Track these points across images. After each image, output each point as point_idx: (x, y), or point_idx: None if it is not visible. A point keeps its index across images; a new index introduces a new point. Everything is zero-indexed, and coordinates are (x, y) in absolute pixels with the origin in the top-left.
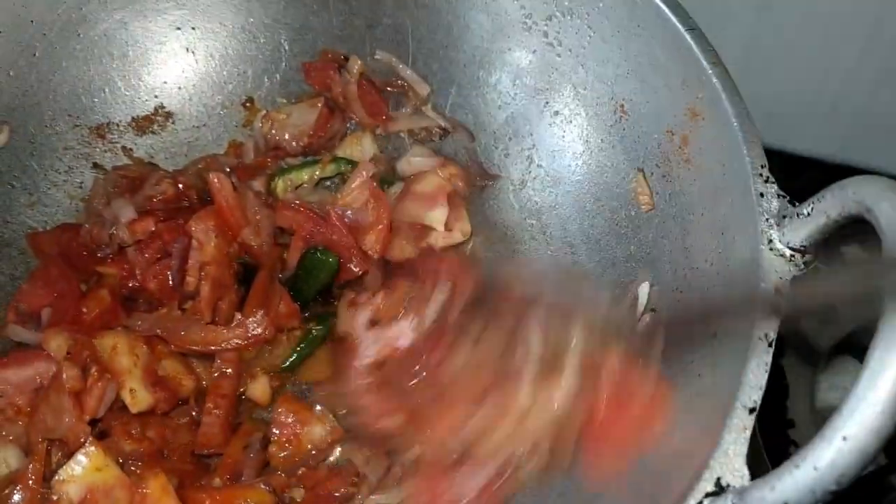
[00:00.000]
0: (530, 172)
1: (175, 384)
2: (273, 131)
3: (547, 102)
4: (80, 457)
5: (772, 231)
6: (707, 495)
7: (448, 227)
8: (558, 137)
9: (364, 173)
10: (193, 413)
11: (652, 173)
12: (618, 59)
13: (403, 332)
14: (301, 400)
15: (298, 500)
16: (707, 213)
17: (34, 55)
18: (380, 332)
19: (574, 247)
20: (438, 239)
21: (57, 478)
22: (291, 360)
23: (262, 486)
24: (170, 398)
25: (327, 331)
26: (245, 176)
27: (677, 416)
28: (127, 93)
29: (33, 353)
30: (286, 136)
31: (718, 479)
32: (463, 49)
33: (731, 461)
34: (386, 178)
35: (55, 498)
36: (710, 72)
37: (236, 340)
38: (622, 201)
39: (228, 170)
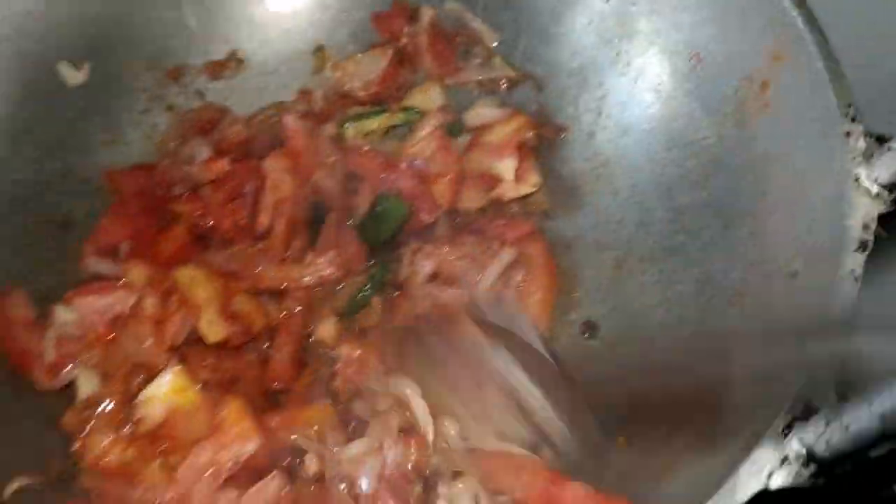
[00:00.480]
0: (599, 123)
1: (247, 320)
2: (342, 79)
3: (619, 52)
4: (164, 377)
5: (859, 169)
6: (795, 419)
7: (518, 178)
8: (629, 87)
9: (432, 122)
10: (263, 348)
11: (728, 120)
12: (695, 5)
13: (455, 300)
14: (364, 338)
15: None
16: (786, 157)
17: None
18: (436, 289)
19: (643, 196)
20: (508, 190)
21: (140, 397)
22: (355, 303)
23: (327, 402)
24: (242, 333)
25: (389, 277)
26: (315, 122)
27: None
28: (201, 37)
29: (111, 283)
30: (355, 85)
31: (807, 403)
32: None
33: (818, 387)
34: (453, 128)
35: (137, 417)
36: (795, 13)
37: (308, 279)
38: (694, 149)
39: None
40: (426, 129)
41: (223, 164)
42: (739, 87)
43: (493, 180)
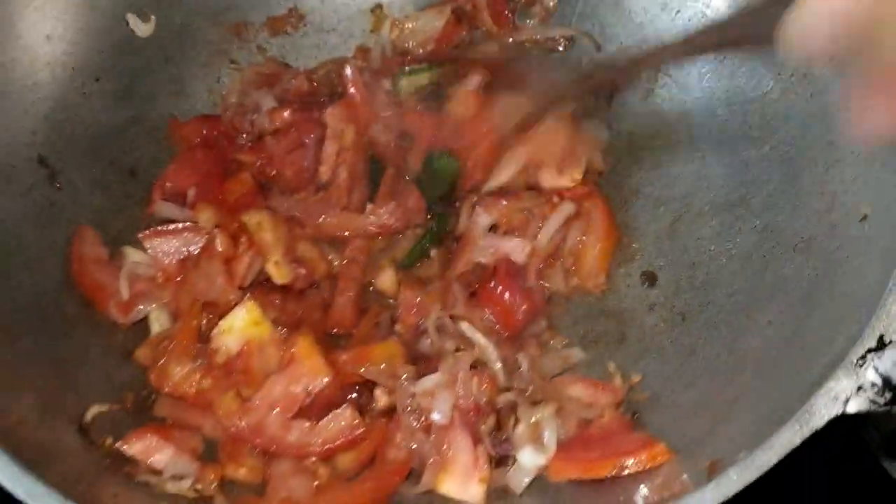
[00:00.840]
0: (658, 81)
1: (310, 266)
2: (400, 38)
3: (678, 11)
4: (240, 311)
5: None
6: (869, 350)
7: (559, 170)
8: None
9: (475, 80)
10: (325, 295)
11: (792, 74)
12: None
13: (517, 250)
14: (424, 284)
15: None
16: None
17: None
18: (497, 240)
19: (702, 151)
20: (547, 179)
21: (217, 329)
22: (413, 254)
23: (394, 338)
24: (305, 277)
25: (447, 230)
26: (372, 76)
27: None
28: None
29: (181, 225)
30: (412, 43)
31: (881, 336)
32: None
33: (893, 321)
34: None
35: (214, 348)
36: None
37: (370, 227)
38: (757, 104)
39: None
40: (469, 87)
41: (286, 114)
42: None
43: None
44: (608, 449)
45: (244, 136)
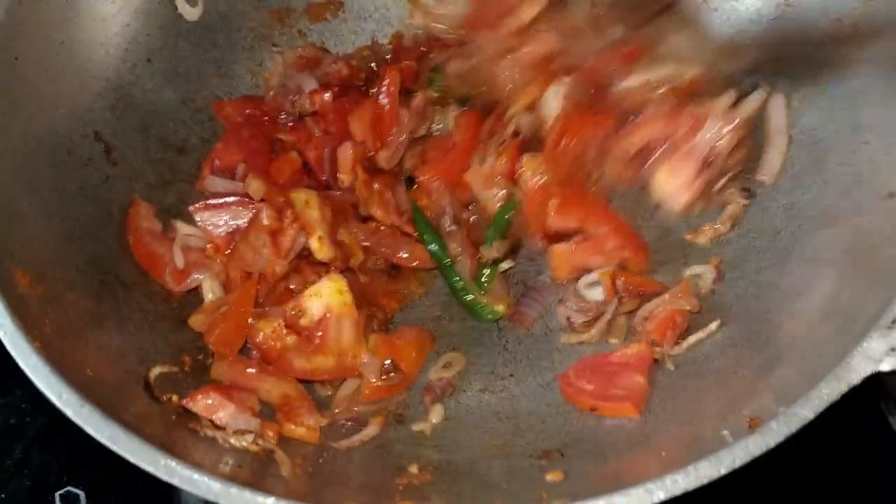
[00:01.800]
0: None
1: (346, 250)
2: (430, 23)
3: None
4: (328, 280)
5: None
6: None
7: None
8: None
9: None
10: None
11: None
12: None
13: None
14: None
15: None
16: (880, 89)
17: None
18: None
19: None
20: None
21: (305, 294)
22: None
23: None
24: (343, 259)
25: None
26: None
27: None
28: None
29: (230, 199)
30: (441, 28)
31: None
32: None
33: None
34: None
35: (294, 313)
36: None
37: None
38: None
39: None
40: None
41: (326, 97)
42: (830, 25)
43: None
44: (599, 386)
45: (285, 116)
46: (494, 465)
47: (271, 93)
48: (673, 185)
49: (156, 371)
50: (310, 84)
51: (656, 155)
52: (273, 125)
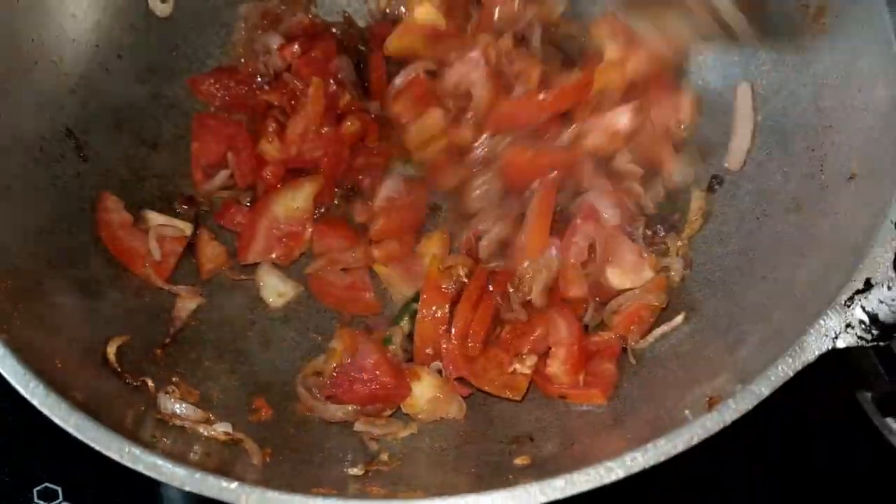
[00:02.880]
0: None
1: None
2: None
3: None
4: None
5: None
6: (857, 292)
7: None
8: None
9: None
10: None
11: (785, 46)
12: None
13: None
14: None
15: None
16: (841, 75)
17: None
18: None
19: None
20: None
21: None
22: None
23: None
24: None
25: None
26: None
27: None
28: None
29: None
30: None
31: (868, 279)
32: None
33: (878, 265)
34: None
35: None
36: None
37: None
38: (752, 77)
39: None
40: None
41: (295, 48)
42: (796, 13)
43: None
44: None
45: (261, 79)
46: (465, 452)
47: (242, 60)
48: (629, 275)
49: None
50: (275, 41)
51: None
52: (251, 91)
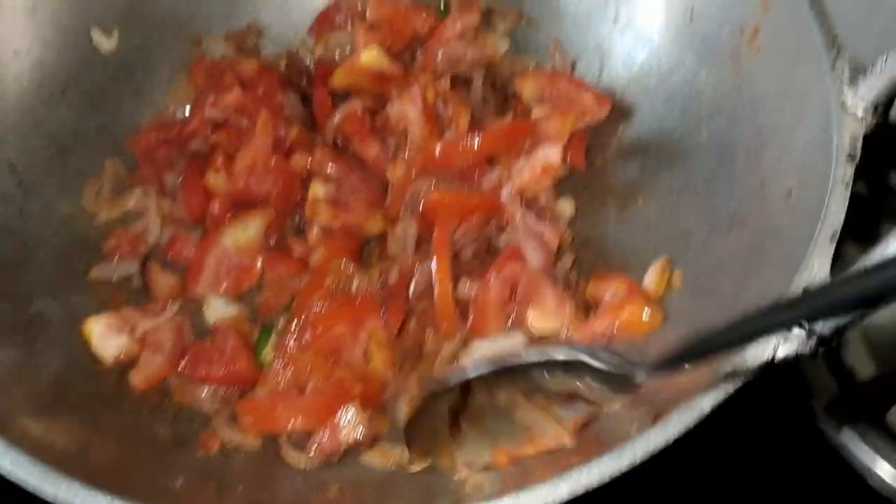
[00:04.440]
0: (601, 78)
1: None
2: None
3: (616, 10)
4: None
5: (844, 95)
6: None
7: None
8: (628, 46)
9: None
10: None
11: (722, 68)
12: None
13: None
14: None
15: None
16: (778, 93)
17: None
18: None
19: (645, 144)
20: None
21: None
22: None
23: None
24: None
25: None
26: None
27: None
28: (224, 8)
29: None
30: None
31: (805, 288)
32: None
33: (815, 275)
34: None
35: None
36: None
37: None
38: (693, 98)
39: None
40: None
41: (237, 95)
42: (732, 35)
43: None
44: None
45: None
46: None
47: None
48: (549, 320)
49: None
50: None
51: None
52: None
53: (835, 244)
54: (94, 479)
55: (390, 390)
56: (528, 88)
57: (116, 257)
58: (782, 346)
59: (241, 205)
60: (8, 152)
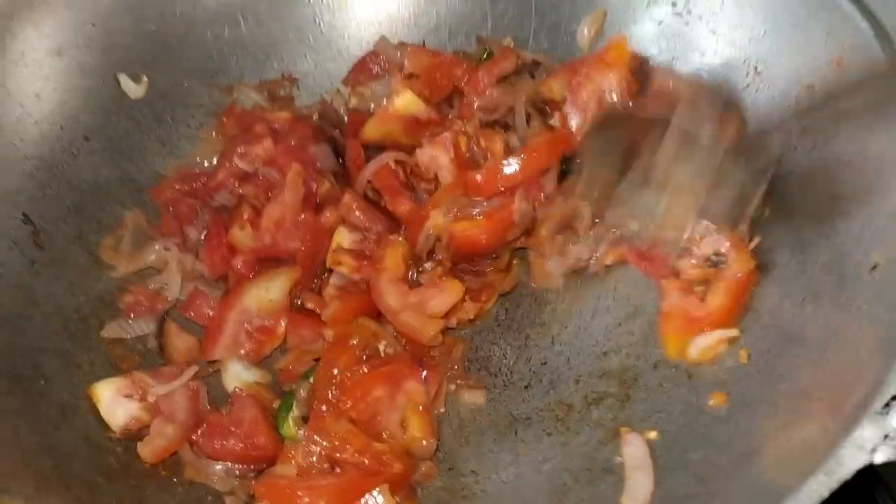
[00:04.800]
0: None
1: None
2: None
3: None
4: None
5: None
6: (894, 398)
7: None
8: None
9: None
10: None
11: (790, 129)
12: (752, 21)
13: None
14: None
15: None
16: (854, 153)
17: (175, 13)
18: None
19: None
20: None
21: None
22: None
23: None
24: None
25: None
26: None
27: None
28: (257, 56)
29: None
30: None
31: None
32: None
33: None
34: None
35: None
36: (860, 17)
37: None
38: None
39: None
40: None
41: (268, 146)
42: (800, 95)
43: None
44: None
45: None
46: None
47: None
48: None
49: None
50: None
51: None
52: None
53: None
54: None
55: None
56: (556, 88)
57: (132, 315)
58: (881, 447)
59: (266, 262)
60: (23, 202)
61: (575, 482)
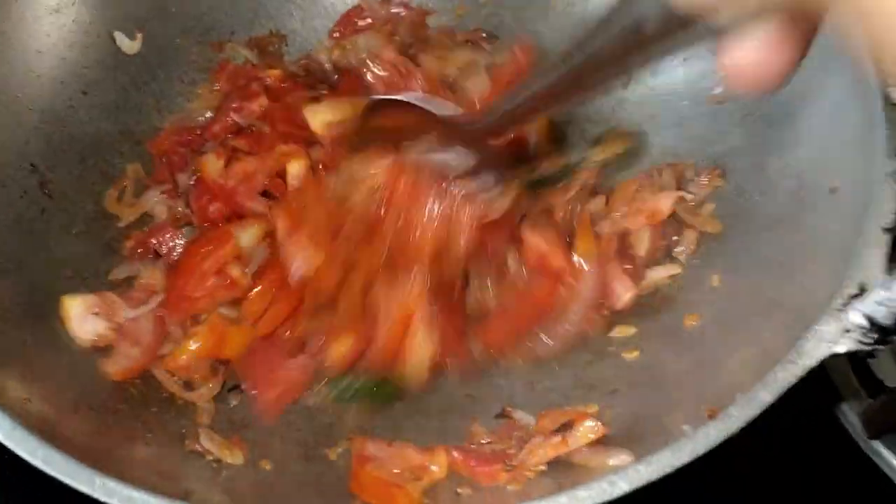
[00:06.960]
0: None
1: None
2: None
3: None
4: None
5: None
6: (852, 297)
7: None
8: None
9: None
10: None
11: None
12: None
13: None
14: None
15: None
16: (815, 89)
17: None
18: None
19: (674, 148)
20: None
21: None
22: None
23: None
24: None
25: None
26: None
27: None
28: (246, 13)
29: None
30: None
31: (861, 283)
32: None
33: (870, 268)
34: None
35: None
36: None
37: None
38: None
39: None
40: None
41: (263, 103)
42: None
43: None
44: None
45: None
46: None
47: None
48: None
49: None
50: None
51: None
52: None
53: (888, 239)
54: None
55: None
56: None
57: (135, 259)
58: (842, 340)
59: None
60: (30, 152)
61: None
